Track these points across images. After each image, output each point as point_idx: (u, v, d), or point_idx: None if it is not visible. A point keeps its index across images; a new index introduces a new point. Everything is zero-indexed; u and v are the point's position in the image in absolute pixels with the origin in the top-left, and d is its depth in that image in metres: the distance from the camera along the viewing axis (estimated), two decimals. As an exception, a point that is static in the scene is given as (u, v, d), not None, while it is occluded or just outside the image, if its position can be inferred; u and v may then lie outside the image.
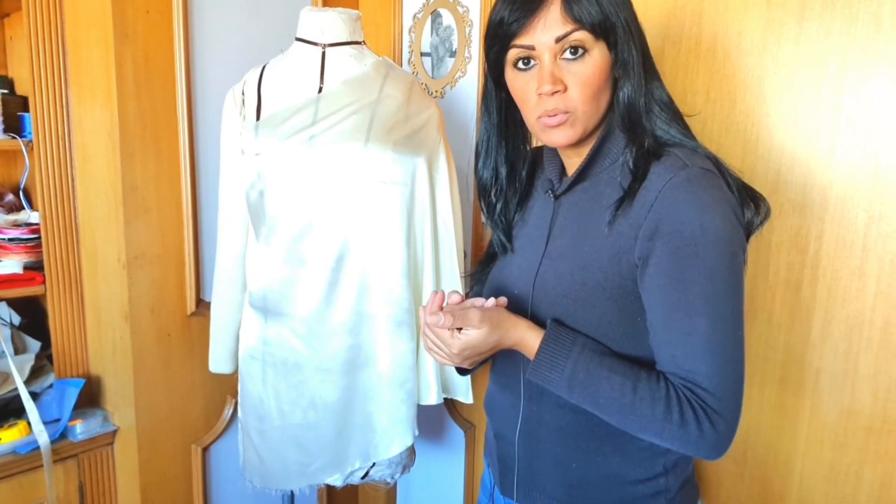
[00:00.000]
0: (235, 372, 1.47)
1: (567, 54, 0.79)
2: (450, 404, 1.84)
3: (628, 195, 0.80)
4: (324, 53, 1.30)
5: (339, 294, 1.29)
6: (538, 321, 0.87)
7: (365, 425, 1.36)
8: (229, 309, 1.45)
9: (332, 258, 1.27)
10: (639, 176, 0.80)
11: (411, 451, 1.47)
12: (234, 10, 1.60)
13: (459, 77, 1.70)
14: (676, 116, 0.84)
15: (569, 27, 0.78)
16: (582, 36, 0.78)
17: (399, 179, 1.28)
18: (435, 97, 1.75)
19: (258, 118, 1.29)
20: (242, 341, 1.40)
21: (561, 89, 0.80)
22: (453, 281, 1.40)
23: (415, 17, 1.78)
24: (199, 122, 1.56)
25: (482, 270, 1.04)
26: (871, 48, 1.06)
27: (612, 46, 0.80)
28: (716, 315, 0.75)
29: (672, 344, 0.78)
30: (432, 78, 1.77)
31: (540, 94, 0.81)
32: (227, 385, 1.69)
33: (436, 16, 1.73)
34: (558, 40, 0.78)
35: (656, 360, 0.81)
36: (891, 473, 1.11)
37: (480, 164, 0.97)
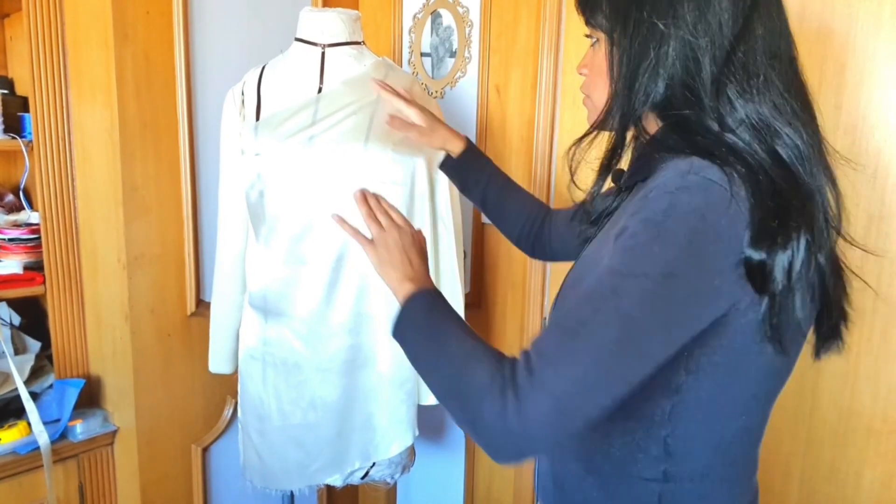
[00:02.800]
0: (235, 372, 1.47)
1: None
2: (450, 404, 1.84)
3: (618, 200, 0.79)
4: (323, 54, 1.30)
5: (338, 294, 1.29)
6: None
7: (365, 425, 1.36)
8: (229, 309, 1.45)
9: (332, 258, 1.27)
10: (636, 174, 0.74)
11: (411, 452, 1.47)
12: (234, 10, 1.60)
13: (459, 77, 1.70)
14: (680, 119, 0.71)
15: (583, 14, 0.77)
16: (591, 22, 0.76)
17: (399, 179, 1.28)
18: (435, 97, 1.75)
19: (258, 118, 1.29)
20: (242, 341, 1.40)
21: (586, 74, 0.80)
22: (453, 281, 1.40)
23: (415, 17, 1.78)
24: (199, 122, 1.56)
25: None
26: (871, 48, 1.06)
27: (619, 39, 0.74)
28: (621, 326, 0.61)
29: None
30: (432, 78, 1.77)
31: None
32: (227, 385, 1.69)
33: (436, 16, 1.73)
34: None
35: None
36: (891, 473, 1.11)
37: None
